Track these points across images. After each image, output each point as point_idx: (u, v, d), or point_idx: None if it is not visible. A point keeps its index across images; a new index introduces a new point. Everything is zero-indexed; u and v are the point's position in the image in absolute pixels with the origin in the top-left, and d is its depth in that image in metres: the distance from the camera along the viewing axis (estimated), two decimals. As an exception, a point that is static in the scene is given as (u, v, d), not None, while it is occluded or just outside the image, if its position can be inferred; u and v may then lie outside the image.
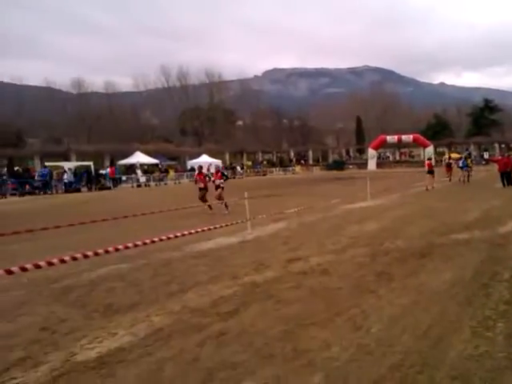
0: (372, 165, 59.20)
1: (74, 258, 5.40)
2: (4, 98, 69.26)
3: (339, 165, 62.94)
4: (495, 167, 22.87)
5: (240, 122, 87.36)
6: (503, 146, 61.33)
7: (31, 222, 13.00)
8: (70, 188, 33.38)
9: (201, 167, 16.56)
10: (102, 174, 37.62)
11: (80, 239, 9.78)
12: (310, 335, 4.11)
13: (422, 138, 59.30)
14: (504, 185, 20.33)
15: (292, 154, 71.50)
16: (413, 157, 66.42)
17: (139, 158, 44.46)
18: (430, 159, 25.68)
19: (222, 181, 15.22)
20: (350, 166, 62.98)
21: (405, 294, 5.25)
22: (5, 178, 32.52)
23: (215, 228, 8.71)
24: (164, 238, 6.88)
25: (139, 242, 6.32)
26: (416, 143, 60.13)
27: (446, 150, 62.45)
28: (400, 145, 63.83)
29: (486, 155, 58.65)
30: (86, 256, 5.52)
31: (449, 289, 5.37)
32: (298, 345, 3.90)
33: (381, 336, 4.02)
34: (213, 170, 45.95)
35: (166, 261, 7.61)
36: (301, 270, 6.54)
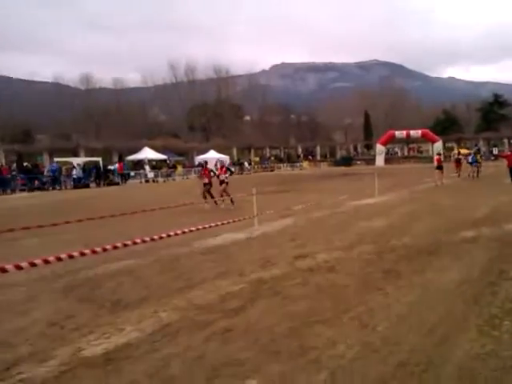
0: (380, 160, 58.95)
1: (83, 254, 5.45)
2: (13, 94, 69.69)
3: (347, 161, 62.76)
4: (504, 163, 22.68)
5: (248, 118, 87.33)
6: (513, 141, 60.78)
7: (40, 217, 13.09)
8: (78, 184, 33.60)
9: (206, 162, 16.52)
10: (110, 170, 37.79)
11: (89, 235, 9.84)
12: (316, 333, 4.12)
13: (430, 133, 58.91)
14: (513, 180, 20.15)
15: (300, 149, 71.39)
16: (421, 152, 66.01)
17: (147, 153, 44.64)
18: (439, 154, 25.49)
19: (226, 175, 15.21)
20: (358, 162, 62.83)
21: (411, 291, 5.24)
22: (14, 173, 32.75)
23: (222, 224, 8.72)
24: (172, 233, 6.92)
25: (147, 238, 6.37)
26: (424, 138, 59.75)
27: (454, 145, 61.98)
28: (408, 140, 63.43)
29: (495, 151, 58.13)
30: (94, 251, 5.57)
31: (456, 287, 5.36)
32: (304, 342, 3.91)
33: (387, 334, 4.02)
34: (218, 165, 46.37)
35: (174, 257, 7.65)
36: (308, 267, 6.55)
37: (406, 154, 67.14)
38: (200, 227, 7.81)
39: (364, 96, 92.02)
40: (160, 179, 40.80)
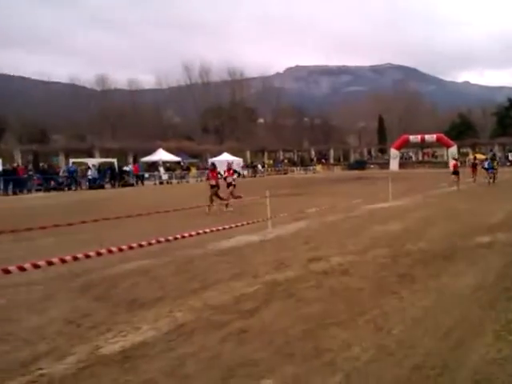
0: (394, 165, 58.54)
1: (99, 253, 5.53)
2: (29, 95, 70.62)
3: (361, 164, 62.48)
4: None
5: (261, 120, 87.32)
6: (529, 147, 59.98)
7: (57, 217, 13.25)
8: (93, 184, 33.94)
9: (213, 164, 16.35)
10: (125, 171, 38.08)
11: (104, 235, 9.93)
12: (331, 335, 4.13)
13: (445, 137, 58.35)
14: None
15: (313, 152, 71.19)
16: (436, 157, 65.39)
17: (161, 155, 44.93)
18: (456, 160, 25.26)
19: (234, 177, 15.08)
20: (372, 166, 62.46)
21: (427, 296, 5.22)
22: (31, 173, 33.19)
23: (236, 226, 8.77)
24: (186, 235, 6.97)
25: (162, 239, 6.44)
26: (439, 143, 59.23)
27: (469, 150, 61.36)
28: (423, 145, 62.93)
29: (510, 156, 57.44)
30: (110, 251, 5.64)
31: (471, 292, 5.33)
32: (319, 344, 3.92)
33: (402, 337, 4.02)
34: (233, 168, 46.49)
35: (189, 258, 7.70)
36: (322, 270, 6.55)
37: (420, 158, 66.60)
38: (214, 229, 7.86)
39: (378, 100, 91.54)
40: (174, 181, 41.05)
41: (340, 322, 4.42)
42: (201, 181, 42.21)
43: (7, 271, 4.59)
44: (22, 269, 4.73)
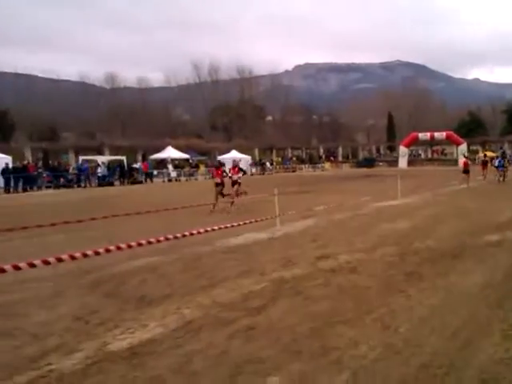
0: (403, 163, 58.22)
1: (108, 250, 5.56)
2: (40, 92, 71.01)
3: (369, 162, 62.19)
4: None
5: (270, 118, 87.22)
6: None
7: (66, 214, 13.35)
8: (103, 181, 34.11)
9: (219, 162, 16.11)
10: (134, 168, 38.25)
11: (113, 232, 9.99)
12: (338, 333, 4.13)
13: (455, 135, 57.92)
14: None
15: (321, 150, 71.00)
16: (445, 155, 64.95)
17: (170, 152, 45.05)
18: (466, 158, 25.07)
19: (239, 176, 14.93)
20: (381, 164, 62.17)
21: (434, 294, 5.20)
22: (41, 170, 33.44)
23: (244, 224, 8.78)
24: (195, 232, 7.00)
25: (171, 236, 6.47)
26: (449, 141, 58.83)
27: (479, 148, 60.87)
28: (432, 142, 62.54)
29: (520, 154, 56.88)
30: (119, 248, 5.68)
31: (479, 291, 5.31)
32: (326, 342, 3.93)
33: (409, 336, 4.01)
34: (242, 165, 46.49)
35: (196, 255, 7.73)
36: (329, 268, 6.55)
37: (429, 156, 66.17)
38: (222, 226, 7.88)
39: (387, 97, 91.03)
40: (182, 178, 41.15)
41: (347, 320, 4.43)
42: (209, 178, 42.30)
43: (17, 267, 4.64)
44: (32, 265, 4.78)
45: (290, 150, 66.98)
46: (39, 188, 30.87)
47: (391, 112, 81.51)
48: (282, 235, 9.62)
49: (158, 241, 6.23)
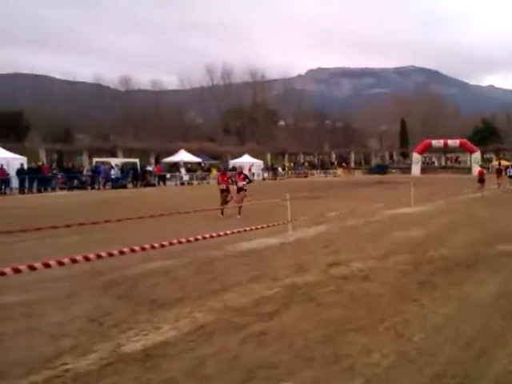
0: (416, 170, 57.82)
1: (122, 252, 5.63)
2: (55, 94, 71.82)
3: (382, 169, 61.89)
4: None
5: (282, 123, 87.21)
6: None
7: (80, 215, 13.49)
8: (116, 184, 34.39)
9: (224, 168, 15.87)
10: (148, 171, 38.48)
11: (127, 234, 10.08)
12: (350, 340, 4.12)
13: (468, 143, 57.42)
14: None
15: (334, 156, 70.88)
16: (459, 162, 64.36)
17: (183, 156, 45.31)
18: (482, 166, 24.85)
19: (244, 183, 14.76)
20: (393, 171, 61.82)
21: (448, 304, 5.17)
22: (55, 172, 33.80)
23: (256, 228, 8.81)
24: (207, 236, 7.05)
25: (183, 239, 6.52)
26: (463, 148, 58.35)
27: (493, 156, 60.27)
28: (446, 150, 62.04)
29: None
30: (133, 250, 5.74)
31: (493, 301, 5.26)
32: (338, 349, 3.93)
33: (423, 345, 3.99)
34: (254, 170, 46.59)
35: (209, 259, 7.77)
36: (341, 275, 6.54)
37: (443, 163, 65.64)
38: (235, 231, 7.92)
39: (401, 102, 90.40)
40: (195, 182, 41.34)
41: (360, 328, 4.42)
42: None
43: (33, 268, 4.72)
44: (46, 265, 4.86)
45: (302, 156, 66.94)
46: (53, 189, 31.19)
47: (404, 118, 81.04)
48: (294, 241, 9.63)
49: (171, 244, 6.29)
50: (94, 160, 38.13)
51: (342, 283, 6.08)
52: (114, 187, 33.57)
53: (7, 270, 4.49)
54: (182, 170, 42.37)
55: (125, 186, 34.71)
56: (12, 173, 28.86)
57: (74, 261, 5.07)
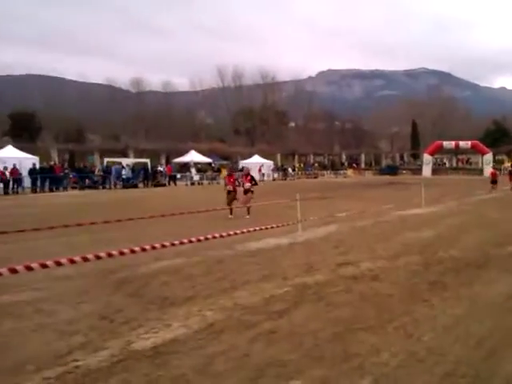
0: (427, 171, 57.41)
1: (133, 251, 5.68)
2: (68, 95, 72.49)
3: (392, 170, 61.49)
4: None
5: (292, 124, 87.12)
6: None
7: (92, 214, 13.60)
8: (127, 183, 34.62)
9: (231, 169, 15.77)
10: (159, 171, 38.70)
11: (138, 233, 10.14)
12: (360, 339, 4.12)
13: (480, 144, 56.89)
14: None
15: (344, 157, 70.60)
16: (470, 164, 63.81)
17: (193, 156, 45.45)
18: (495, 168, 24.69)
19: (250, 185, 14.64)
20: (404, 172, 61.39)
21: (458, 304, 5.15)
22: (67, 171, 34.10)
23: (266, 228, 8.83)
24: (217, 235, 7.08)
25: (194, 239, 6.55)
26: (474, 150, 57.85)
27: (505, 157, 59.65)
28: (457, 151, 61.54)
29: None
30: (143, 249, 5.79)
31: (504, 301, 5.23)
32: (348, 348, 3.93)
33: (432, 345, 3.98)
34: (264, 171, 46.63)
35: (219, 258, 7.80)
36: (351, 275, 6.54)
37: (454, 165, 65.15)
38: (245, 230, 7.94)
39: (411, 104, 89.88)
40: (205, 182, 41.51)
41: (369, 328, 4.42)
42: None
43: (45, 265, 4.78)
44: (58, 263, 4.92)
45: (312, 156, 66.79)
46: (65, 189, 31.47)
47: (415, 120, 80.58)
48: (303, 241, 9.62)
49: (182, 243, 6.33)
50: (106, 160, 38.39)
51: (351, 283, 6.08)
52: (125, 187, 33.79)
53: (20, 267, 4.55)
54: (193, 170, 42.53)
55: (136, 186, 34.92)
56: (24, 172, 29.14)
57: (85, 259, 5.13)
